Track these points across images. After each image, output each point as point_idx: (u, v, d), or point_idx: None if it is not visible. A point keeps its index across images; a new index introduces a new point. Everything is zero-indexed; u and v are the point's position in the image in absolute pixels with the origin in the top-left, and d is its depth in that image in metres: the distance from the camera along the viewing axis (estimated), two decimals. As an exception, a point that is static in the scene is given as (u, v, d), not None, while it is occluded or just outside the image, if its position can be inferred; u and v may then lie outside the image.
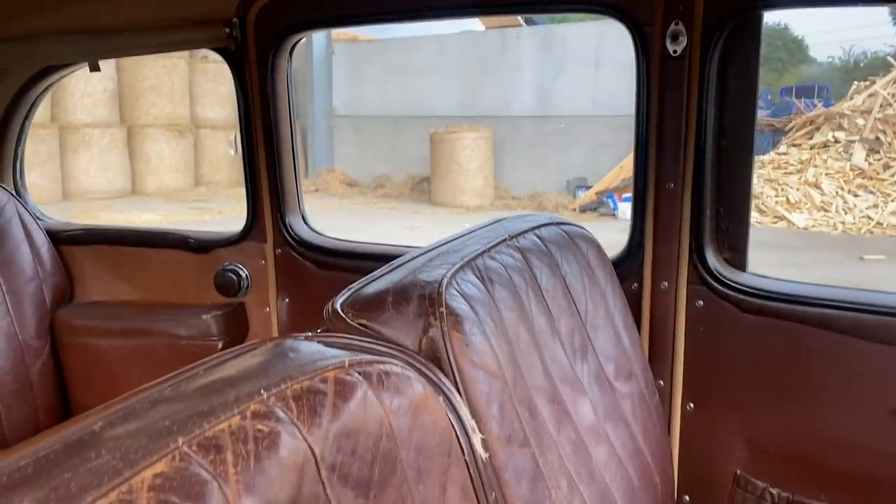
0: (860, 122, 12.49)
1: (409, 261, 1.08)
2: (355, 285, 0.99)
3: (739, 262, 1.56)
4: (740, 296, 1.51)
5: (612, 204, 10.77)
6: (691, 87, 1.47)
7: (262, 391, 0.61)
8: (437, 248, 1.16)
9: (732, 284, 1.52)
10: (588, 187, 11.86)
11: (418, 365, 0.82)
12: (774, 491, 1.52)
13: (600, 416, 1.20)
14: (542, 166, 13.14)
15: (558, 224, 1.41)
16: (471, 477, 0.79)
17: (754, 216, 11.14)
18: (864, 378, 1.41)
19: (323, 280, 1.89)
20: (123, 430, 0.55)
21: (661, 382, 1.59)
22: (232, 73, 1.84)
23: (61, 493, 0.46)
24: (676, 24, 1.45)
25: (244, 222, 1.96)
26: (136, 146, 12.47)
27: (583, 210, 11.02)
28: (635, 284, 1.59)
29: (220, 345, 1.93)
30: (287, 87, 1.85)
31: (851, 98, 12.70)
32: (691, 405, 1.59)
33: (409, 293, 0.94)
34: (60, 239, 2.10)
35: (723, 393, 1.56)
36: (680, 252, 1.54)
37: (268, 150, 1.87)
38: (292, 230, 1.92)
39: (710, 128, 1.48)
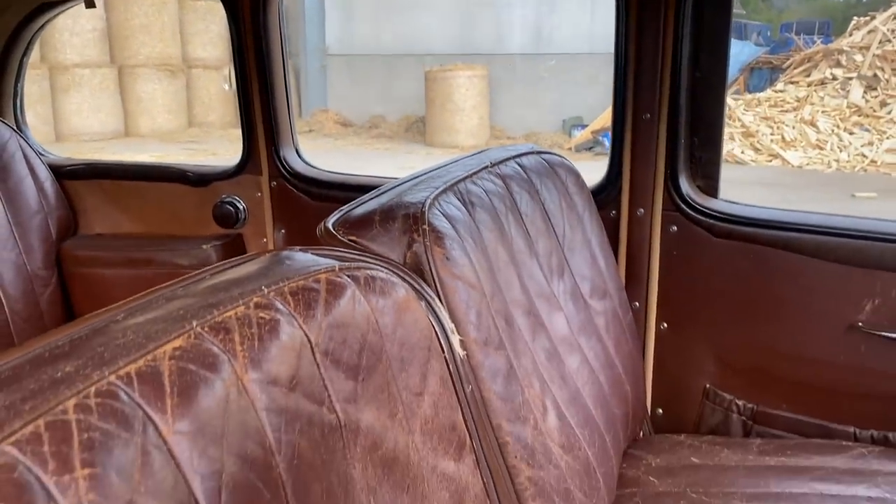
0: (858, 58, 12.41)
1: (395, 186, 1.16)
2: (346, 207, 1.08)
3: (711, 189, 1.64)
4: (712, 221, 1.60)
5: (606, 143, 10.77)
6: (667, 21, 1.53)
7: (263, 287, 0.70)
8: (422, 175, 1.24)
9: (705, 210, 1.60)
10: (583, 126, 11.84)
11: (402, 274, 0.91)
12: (740, 402, 1.64)
13: (574, 329, 1.30)
14: (538, 105, 13.07)
15: (539, 153, 1.49)
16: (449, 370, 0.90)
17: (749, 155, 11.17)
18: (823, 296, 1.52)
19: (317, 211, 1.97)
20: (143, 318, 0.64)
21: (637, 304, 1.69)
22: (225, 9, 1.88)
23: (97, 361, 0.55)
24: None
25: (240, 156, 2.03)
26: (128, 87, 12.36)
27: (578, 149, 11.02)
28: (614, 212, 1.68)
29: (220, 274, 2.02)
30: (279, 21, 1.90)
31: (851, 34, 12.58)
32: (664, 325, 1.69)
33: (395, 213, 1.03)
34: (63, 174, 2.17)
35: (694, 313, 1.67)
36: (656, 180, 1.63)
37: (261, 85, 1.93)
38: (286, 163, 1.99)
39: (685, 60, 1.54)
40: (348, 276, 0.79)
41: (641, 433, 1.59)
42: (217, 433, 0.57)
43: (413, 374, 0.82)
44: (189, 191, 2.10)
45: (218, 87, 13.26)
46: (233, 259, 0.81)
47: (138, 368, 0.55)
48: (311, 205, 1.99)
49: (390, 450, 0.76)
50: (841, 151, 11.01)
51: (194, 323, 0.62)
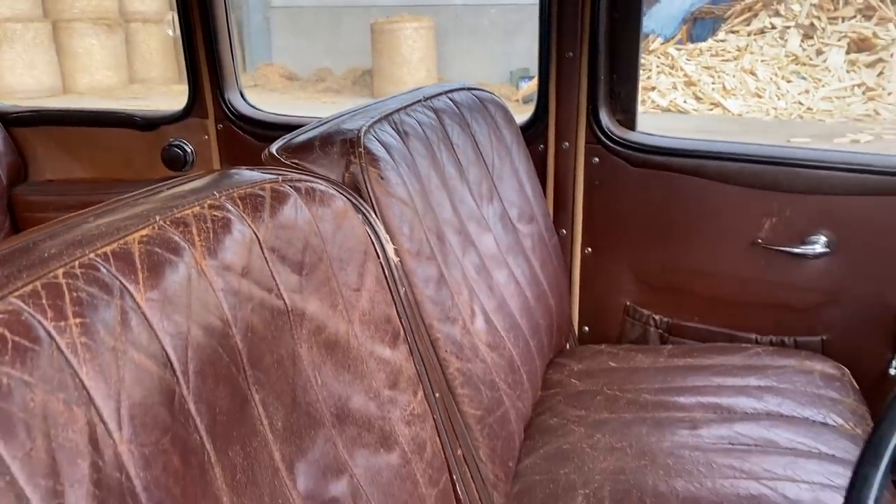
0: (796, 7, 12.67)
1: (334, 118, 1.27)
2: (288, 135, 1.19)
3: (630, 123, 1.78)
4: (630, 152, 1.75)
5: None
6: None
7: (215, 193, 0.82)
8: (359, 109, 1.35)
9: (623, 142, 1.75)
10: (531, 77, 11.92)
11: (340, 189, 1.02)
12: (657, 317, 1.81)
13: (502, 249, 1.44)
14: (485, 57, 13.08)
15: (470, 89, 1.61)
16: (384, 273, 1.02)
17: (691, 104, 11.42)
18: (728, 217, 1.68)
19: (258, 152, 2.06)
20: (112, 217, 0.75)
21: (564, 231, 1.84)
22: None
23: (77, 244, 0.66)
24: None
25: (186, 100, 2.10)
26: (63, 42, 11.96)
27: (525, 101, 11.12)
28: (541, 146, 1.81)
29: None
30: None
31: (787, -18, 12.82)
32: (589, 249, 1.85)
33: (334, 138, 1.14)
34: (10, 121, 2.20)
35: (615, 238, 1.82)
36: (578, 115, 1.76)
37: (205, 30, 1.99)
38: (232, 105, 2.06)
39: (603, 2, 1.67)
40: (291, 187, 0.90)
41: (568, 346, 1.76)
42: (182, 304, 0.69)
43: (351, 273, 0.95)
44: (137, 135, 2.16)
45: (159, 42, 12.92)
46: (186, 176, 0.92)
47: (113, 249, 0.66)
48: (256, 146, 2.07)
49: (332, 334, 0.89)
50: (779, 99, 11.34)
51: (157, 218, 0.73)
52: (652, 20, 11.53)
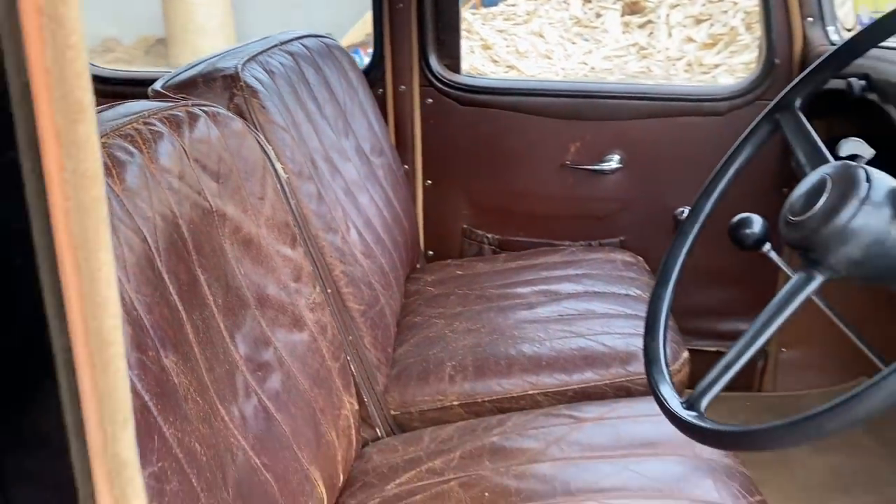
0: (576, -26, 13.64)
1: (204, 60, 1.40)
2: (167, 76, 1.31)
3: (455, 67, 2.04)
4: (458, 92, 2.00)
5: (357, 58, 11.03)
6: None
7: (145, 113, 0.95)
8: (219, 53, 1.48)
9: (452, 84, 2.00)
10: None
11: (234, 115, 1.18)
12: (490, 235, 2.11)
13: (361, 176, 1.65)
14: (286, 23, 12.88)
15: (317, 37, 1.78)
16: (279, 185, 1.20)
17: (489, 67, 12.05)
18: (542, 145, 2.00)
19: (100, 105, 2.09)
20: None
21: (407, 166, 2.07)
22: None
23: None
24: None
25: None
26: None
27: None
28: (381, 90, 2.02)
29: None
30: None
31: (567, -50, 13.75)
32: (429, 181, 2.10)
33: (215, 74, 1.28)
34: None
35: (451, 169, 2.08)
36: (412, 61, 1.99)
37: None
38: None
39: None
40: (200, 110, 1.05)
41: (418, 265, 2.00)
42: (144, 196, 0.83)
43: (255, 184, 1.12)
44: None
45: None
46: (102, 106, 1.03)
47: None
48: (98, 102, 2.09)
49: (247, 234, 1.06)
50: (566, 60, 12.30)
51: (107, 131, 0.86)
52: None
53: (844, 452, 1.80)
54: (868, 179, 0.83)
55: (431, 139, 2.06)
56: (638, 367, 1.40)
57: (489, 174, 2.07)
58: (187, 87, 1.26)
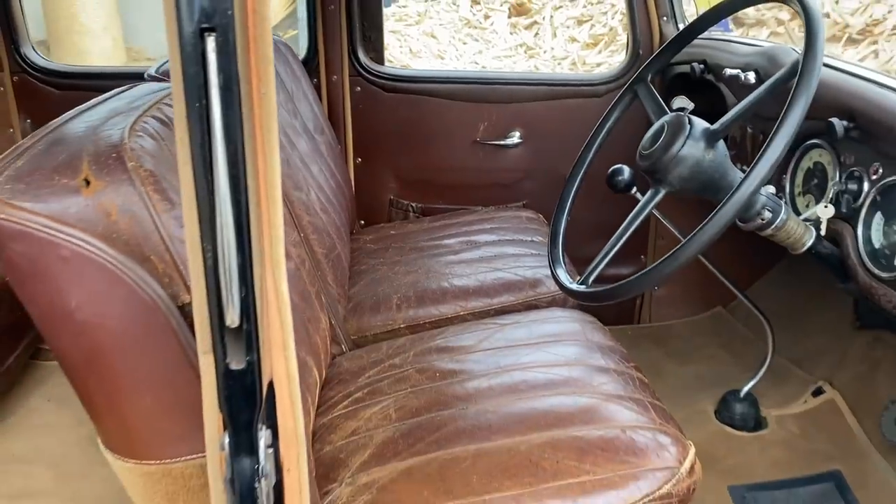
0: (463, -24, 14.11)
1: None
2: (156, 64, 1.59)
3: (380, 59, 2.39)
4: (383, 81, 2.35)
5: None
6: None
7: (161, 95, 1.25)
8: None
9: (378, 74, 2.35)
10: (228, 45, 11.96)
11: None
12: (414, 204, 2.46)
13: (310, 150, 1.97)
14: (176, 25, 12.74)
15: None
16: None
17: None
18: (457, 125, 2.38)
19: (60, 98, 2.31)
20: (97, 115, 1.16)
21: (340, 146, 2.40)
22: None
23: (102, 123, 1.08)
24: None
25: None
26: None
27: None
28: (315, 79, 2.34)
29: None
30: None
31: (454, -46, 14.22)
32: (359, 159, 2.43)
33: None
34: None
35: (378, 149, 2.43)
36: (342, 54, 2.32)
37: None
38: (27, 58, 2.28)
39: None
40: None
41: (353, 231, 2.34)
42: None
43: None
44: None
45: None
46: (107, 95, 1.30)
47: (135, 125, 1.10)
48: (54, 94, 2.31)
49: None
50: (458, 59, 12.78)
51: (148, 105, 1.16)
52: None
53: (704, 364, 2.27)
54: (690, 123, 1.25)
55: (360, 122, 2.40)
56: (542, 289, 1.79)
57: (412, 151, 2.43)
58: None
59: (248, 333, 0.69)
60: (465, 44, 13.28)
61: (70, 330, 0.84)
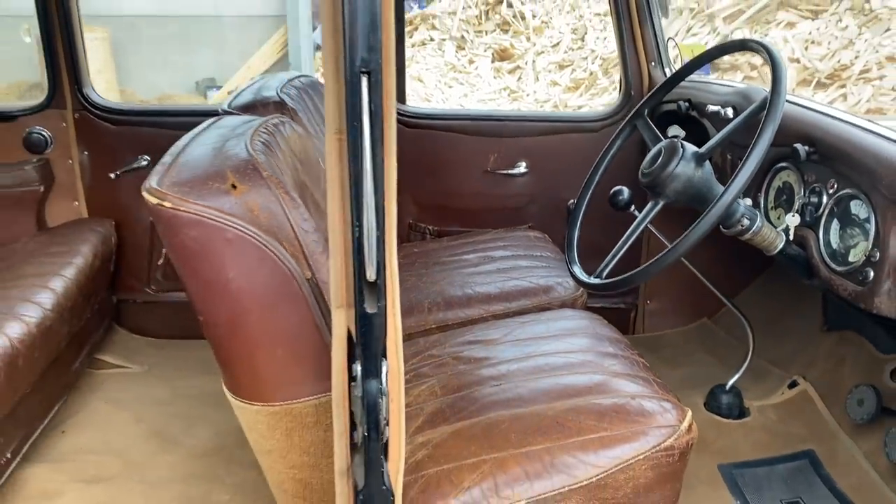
0: (448, 22, 14.64)
1: (243, 90, 1.97)
2: (226, 101, 1.87)
3: (402, 99, 2.69)
4: (405, 118, 2.65)
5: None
6: None
7: (259, 122, 1.54)
8: (248, 85, 2.05)
9: (400, 112, 2.65)
10: (218, 87, 12.31)
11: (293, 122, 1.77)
12: (431, 227, 2.75)
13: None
14: (168, 68, 13.01)
15: (304, 76, 2.38)
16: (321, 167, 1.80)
17: (373, 108, 12.70)
18: (470, 156, 2.68)
19: (116, 133, 2.58)
20: (212, 138, 1.44)
21: None
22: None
23: (225, 145, 1.36)
24: None
25: (46, 95, 2.54)
26: None
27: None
28: None
29: (41, 188, 2.53)
30: None
31: (440, 0, 14.77)
32: None
33: (267, 100, 1.86)
34: None
35: (400, 177, 2.68)
36: None
37: (63, 35, 2.47)
38: (88, 98, 2.56)
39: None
40: (280, 120, 1.65)
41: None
42: (284, 161, 1.42)
43: (315, 167, 1.71)
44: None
45: None
46: (202, 125, 1.58)
47: (255, 142, 1.38)
48: (110, 129, 2.59)
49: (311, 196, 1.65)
50: (444, 103, 13.22)
51: (254, 128, 1.44)
52: (325, 33, 12.43)
53: (693, 366, 2.55)
54: (682, 147, 1.56)
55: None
56: (554, 294, 2.07)
57: (430, 180, 2.72)
58: (248, 108, 1.83)
59: (380, 286, 0.96)
60: (450, 87, 13.72)
61: (223, 297, 1.11)
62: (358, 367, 0.98)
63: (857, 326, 2.07)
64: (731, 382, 2.20)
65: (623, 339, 1.80)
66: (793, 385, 2.20)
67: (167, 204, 1.07)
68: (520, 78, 14.08)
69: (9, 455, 1.86)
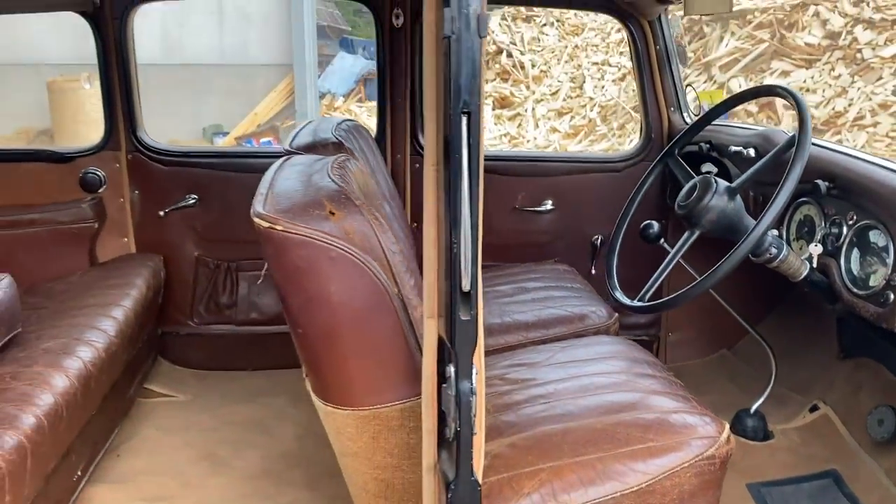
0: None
1: (299, 131, 2.13)
2: (286, 141, 2.03)
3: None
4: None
5: (248, 146, 11.70)
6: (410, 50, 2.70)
7: (330, 159, 1.69)
8: (302, 127, 2.21)
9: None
10: (225, 133, 12.56)
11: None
12: None
13: (389, 213, 2.40)
14: (175, 115, 13.26)
15: (349, 120, 2.55)
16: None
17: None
18: (500, 195, 2.83)
19: (166, 174, 2.74)
20: (293, 176, 1.59)
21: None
22: (90, 24, 2.56)
23: (316, 187, 1.51)
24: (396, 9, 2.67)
25: (102, 137, 2.71)
26: None
27: (231, 154, 11.66)
28: (382, 157, 2.80)
29: (95, 225, 2.67)
30: (133, 33, 2.64)
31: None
32: (415, 224, 2.87)
33: (326, 141, 2.02)
34: None
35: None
36: (406, 137, 2.79)
37: (121, 82, 2.65)
38: (141, 140, 2.72)
39: (416, 66, 2.74)
40: (344, 158, 1.80)
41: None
42: (357, 191, 1.57)
43: (378, 199, 1.86)
44: (53, 167, 2.67)
45: None
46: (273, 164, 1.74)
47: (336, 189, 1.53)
48: (161, 170, 2.74)
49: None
50: (446, 148, 13.49)
51: (331, 165, 1.59)
52: (327, 82, 12.71)
53: (717, 394, 2.67)
54: (716, 182, 1.71)
55: (417, 194, 2.84)
56: (588, 322, 2.21)
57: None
58: (309, 148, 1.99)
59: (473, 296, 1.10)
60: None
61: (323, 309, 1.24)
62: (451, 370, 1.11)
63: (872, 353, 2.20)
64: (755, 406, 2.32)
65: (658, 361, 1.93)
66: (814, 409, 2.32)
67: (279, 227, 1.22)
68: (520, 125, 14.37)
69: (79, 473, 1.97)
